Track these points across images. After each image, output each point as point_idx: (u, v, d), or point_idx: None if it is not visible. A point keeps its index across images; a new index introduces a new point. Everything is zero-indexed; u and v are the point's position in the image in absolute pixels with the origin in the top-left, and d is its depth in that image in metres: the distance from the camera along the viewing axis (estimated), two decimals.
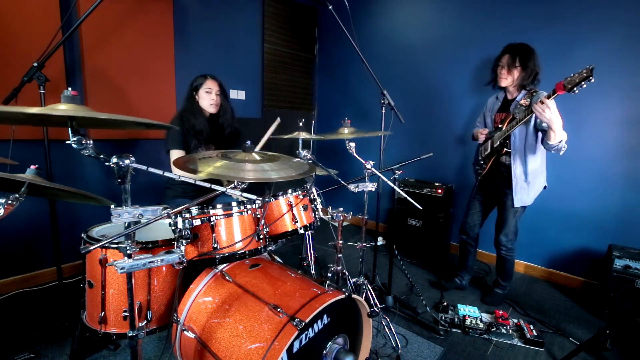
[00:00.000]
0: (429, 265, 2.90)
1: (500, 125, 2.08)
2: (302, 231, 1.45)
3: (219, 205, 1.24)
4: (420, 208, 1.81)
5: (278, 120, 2.04)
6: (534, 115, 1.83)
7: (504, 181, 2.12)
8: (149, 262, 0.96)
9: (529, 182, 2.04)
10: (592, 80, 1.54)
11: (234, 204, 1.26)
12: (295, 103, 4.03)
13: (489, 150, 2.15)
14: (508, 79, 2.03)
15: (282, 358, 1.03)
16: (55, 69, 2.13)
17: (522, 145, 2.01)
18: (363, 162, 1.78)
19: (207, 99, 1.99)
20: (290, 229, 1.42)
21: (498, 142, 2.06)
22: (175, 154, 1.91)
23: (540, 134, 1.95)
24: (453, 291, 2.46)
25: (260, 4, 3.44)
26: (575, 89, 1.58)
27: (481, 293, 2.44)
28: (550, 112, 1.69)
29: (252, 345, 1.08)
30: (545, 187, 2.12)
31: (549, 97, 1.71)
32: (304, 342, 1.14)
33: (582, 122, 2.47)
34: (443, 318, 2.06)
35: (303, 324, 1.04)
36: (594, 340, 1.63)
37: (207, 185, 1.09)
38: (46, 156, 1.83)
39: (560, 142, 1.78)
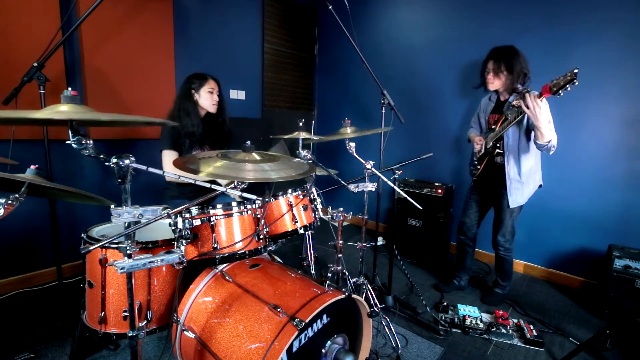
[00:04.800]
0: (429, 265, 2.90)
1: (493, 127, 2.09)
2: (302, 231, 1.45)
3: (219, 205, 1.24)
4: (420, 208, 1.81)
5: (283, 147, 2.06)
6: (525, 115, 1.84)
7: (498, 181, 2.12)
8: (149, 262, 0.96)
9: (522, 182, 2.04)
10: (576, 84, 1.55)
11: (234, 204, 1.26)
12: (295, 103, 4.03)
13: (482, 151, 2.16)
14: (495, 83, 2.04)
15: (282, 358, 1.03)
16: (55, 69, 2.13)
17: (516, 145, 2.01)
18: (363, 162, 1.78)
19: (210, 99, 1.99)
20: (290, 229, 1.42)
21: (491, 143, 2.07)
22: (167, 154, 1.91)
23: (533, 134, 1.96)
24: (453, 291, 2.46)
25: (260, 4, 3.44)
26: (560, 92, 1.59)
27: (481, 293, 2.44)
28: (539, 110, 1.72)
29: (252, 345, 1.08)
30: (540, 186, 2.12)
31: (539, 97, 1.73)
32: (303, 341, 1.14)
33: (582, 122, 2.47)
34: (443, 318, 2.06)
35: (303, 324, 1.04)
36: (594, 340, 1.63)
37: (206, 185, 1.09)
38: (46, 156, 1.83)
39: (548, 142, 1.82)
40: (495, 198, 2.19)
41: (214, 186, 1.09)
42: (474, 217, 2.33)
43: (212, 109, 2.02)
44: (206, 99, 1.98)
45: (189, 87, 1.97)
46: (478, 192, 2.31)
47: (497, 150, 2.06)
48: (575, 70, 1.55)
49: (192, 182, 1.07)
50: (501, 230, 2.17)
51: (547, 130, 1.79)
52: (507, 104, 2.06)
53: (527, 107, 1.75)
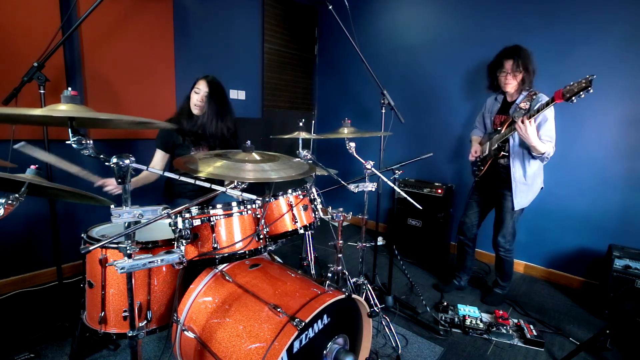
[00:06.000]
0: (429, 265, 2.90)
1: (499, 128, 2.08)
2: (302, 231, 1.45)
3: (219, 205, 1.24)
4: (420, 208, 1.81)
5: None
6: (535, 117, 1.84)
7: (502, 183, 2.12)
8: (149, 262, 0.96)
9: (528, 184, 2.05)
10: (591, 91, 1.54)
11: (234, 204, 1.26)
12: (295, 103, 4.03)
13: (486, 151, 2.16)
14: (513, 84, 2.02)
15: (282, 358, 1.03)
16: (55, 69, 2.13)
17: (521, 148, 2.01)
18: (363, 162, 1.78)
19: (194, 99, 1.94)
20: (290, 229, 1.42)
21: (496, 145, 2.06)
22: (157, 154, 1.93)
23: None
24: (453, 291, 2.46)
25: (260, 4, 3.44)
26: (573, 98, 1.59)
27: (481, 293, 2.44)
28: (526, 132, 1.82)
29: (252, 345, 1.08)
30: (542, 188, 2.13)
31: (547, 104, 1.74)
32: (304, 342, 1.14)
33: (582, 122, 2.47)
34: (443, 318, 2.06)
35: (303, 324, 1.04)
36: (594, 340, 1.63)
37: (207, 185, 1.09)
38: None
39: (542, 154, 1.89)
40: (497, 199, 2.18)
41: (214, 186, 1.09)
42: (475, 217, 2.33)
43: (194, 109, 1.95)
44: (192, 99, 1.95)
45: (191, 87, 1.97)
46: (479, 192, 2.31)
47: (502, 153, 2.05)
48: (591, 78, 1.53)
49: (192, 181, 1.07)
50: (502, 231, 2.17)
51: (540, 146, 1.86)
52: (514, 106, 2.05)
53: (517, 129, 1.85)
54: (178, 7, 2.75)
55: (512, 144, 2.03)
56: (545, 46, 2.52)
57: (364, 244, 1.91)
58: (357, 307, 1.38)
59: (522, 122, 1.82)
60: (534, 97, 1.95)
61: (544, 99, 1.87)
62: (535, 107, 1.82)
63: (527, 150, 1.99)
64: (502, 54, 2.02)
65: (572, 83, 1.59)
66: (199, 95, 1.93)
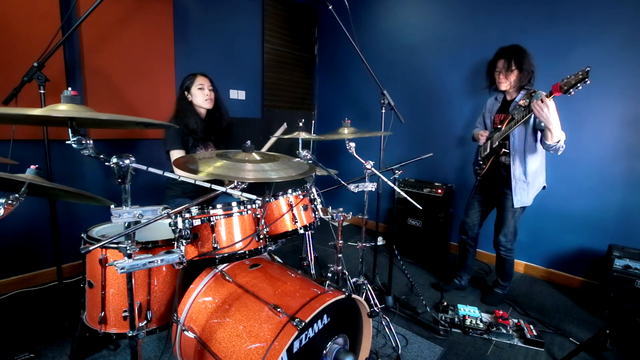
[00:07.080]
0: (429, 265, 2.90)
1: (499, 126, 2.09)
2: (302, 231, 1.45)
3: (219, 205, 1.24)
4: (420, 208, 1.81)
5: (285, 125, 2.03)
6: (532, 115, 1.84)
7: (503, 181, 2.12)
8: (149, 262, 0.96)
9: (528, 182, 2.05)
10: (588, 82, 1.55)
11: (234, 204, 1.26)
12: (295, 103, 4.03)
13: (488, 150, 2.16)
14: (506, 83, 2.03)
15: (282, 358, 1.03)
16: (55, 69, 2.13)
17: (522, 146, 2.01)
18: (363, 162, 1.78)
19: (201, 95, 1.99)
20: (290, 229, 1.42)
21: (497, 143, 2.07)
22: (176, 154, 1.91)
23: (539, 134, 1.96)
24: (453, 291, 2.46)
25: (260, 4, 3.44)
26: (571, 90, 1.59)
27: (481, 293, 2.44)
28: (548, 111, 1.71)
29: (252, 345, 1.08)
30: (544, 188, 2.12)
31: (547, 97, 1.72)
32: (304, 342, 1.14)
33: (582, 122, 2.47)
34: (443, 318, 2.06)
35: (303, 324, 1.04)
36: (594, 340, 1.63)
37: (207, 185, 1.09)
38: (46, 156, 1.83)
39: (558, 142, 1.80)
40: (498, 198, 2.18)
41: (214, 186, 1.09)
42: (476, 217, 2.33)
43: (206, 104, 2.01)
44: (197, 96, 1.99)
45: (182, 89, 2.01)
46: (481, 192, 2.31)
47: (504, 150, 2.05)
48: (587, 69, 1.54)
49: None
50: (503, 231, 2.16)
51: (558, 129, 1.78)
52: (513, 103, 2.06)
53: (536, 111, 1.75)
54: (178, 7, 2.75)
55: (512, 142, 2.03)
56: (545, 46, 2.52)
57: (364, 244, 1.91)
58: (357, 307, 1.38)
59: (542, 101, 1.71)
60: (533, 94, 1.95)
61: (543, 94, 1.87)
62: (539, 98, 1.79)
63: (532, 142, 1.98)
64: (497, 53, 2.05)
65: (569, 76, 1.61)
66: (204, 90, 1.99)
